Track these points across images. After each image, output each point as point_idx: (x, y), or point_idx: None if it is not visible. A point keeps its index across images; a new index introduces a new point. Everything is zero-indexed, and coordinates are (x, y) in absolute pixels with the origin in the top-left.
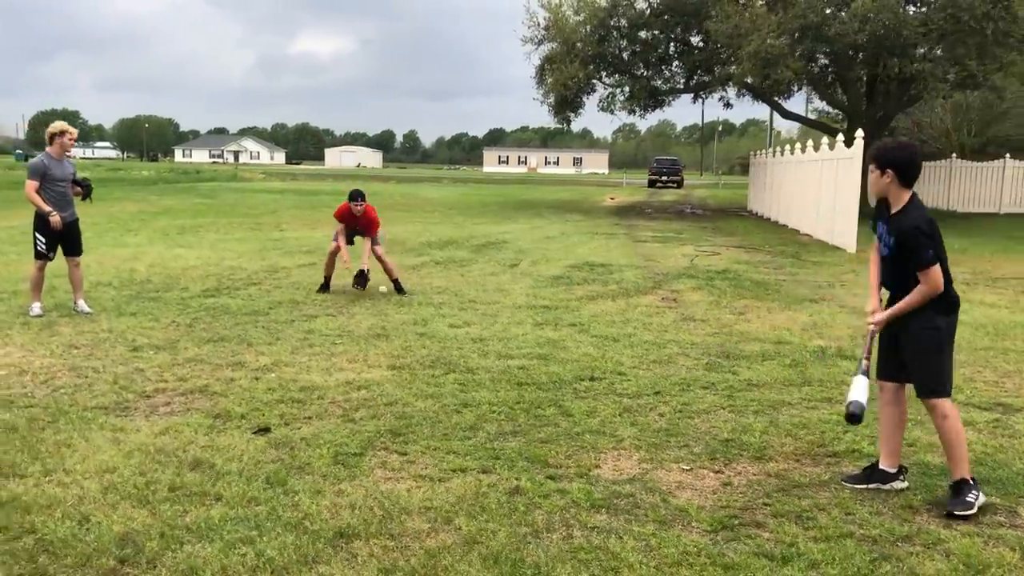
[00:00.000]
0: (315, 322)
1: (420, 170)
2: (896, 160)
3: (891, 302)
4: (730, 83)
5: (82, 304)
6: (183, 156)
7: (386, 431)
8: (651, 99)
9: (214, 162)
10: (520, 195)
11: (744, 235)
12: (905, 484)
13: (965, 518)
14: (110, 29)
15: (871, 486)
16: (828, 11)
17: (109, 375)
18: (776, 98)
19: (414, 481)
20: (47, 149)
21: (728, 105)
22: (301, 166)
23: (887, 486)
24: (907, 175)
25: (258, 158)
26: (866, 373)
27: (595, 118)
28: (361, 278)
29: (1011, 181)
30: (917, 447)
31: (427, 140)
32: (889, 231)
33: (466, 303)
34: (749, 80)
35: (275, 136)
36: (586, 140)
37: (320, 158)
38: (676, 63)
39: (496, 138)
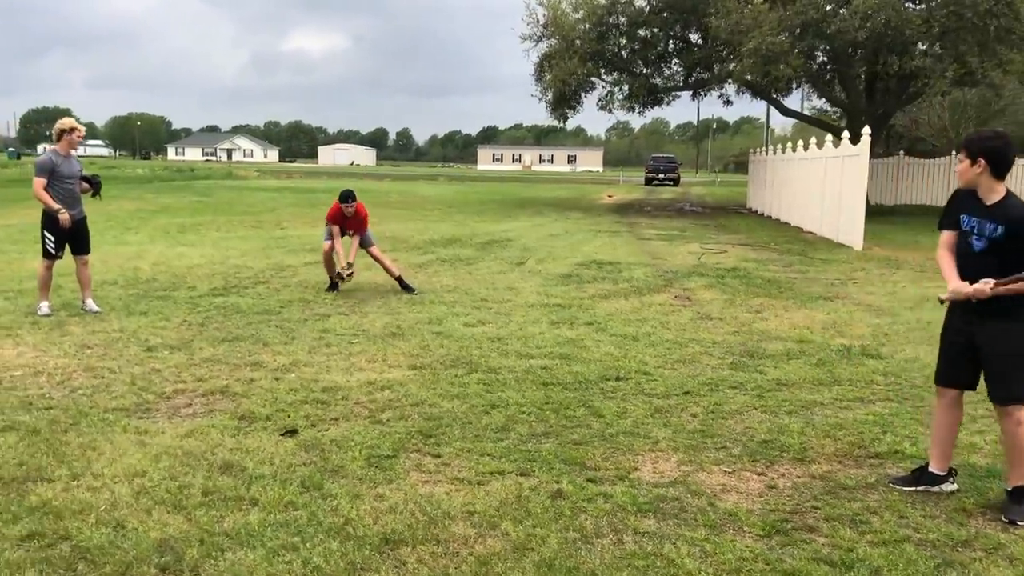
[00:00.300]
0: (329, 321)
1: (415, 168)
2: (989, 149)
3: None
4: (730, 80)
5: (90, 303)
6: (176, 154)
7: (416, 432)
8: (650, 97)
9: (207, 160)
10: (517, 193)
11: (748, 232)
12: (955, 486)
13: None
14: (102, 27)
15: (920, 488)
16: (828, 8)
17: (126, 376)
18: (775, 95)
19: (452, 484)
20: (54, 146)
21: (728, 102)
22: (295, 164)
23: (936, 488)
24: (1001, 165)
25: (251, 156)
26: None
27: (588, 116)
28: (348, 271)
29: (1013, 178)
30: (958, 448)
31: (420, 138)
32: (995, 222)
33: (478, 301)
34: (749, 77)
35: (268, 134)
36: (580, 138)
37: (313, 156)
38: (675, 61)
39: (490, 136)
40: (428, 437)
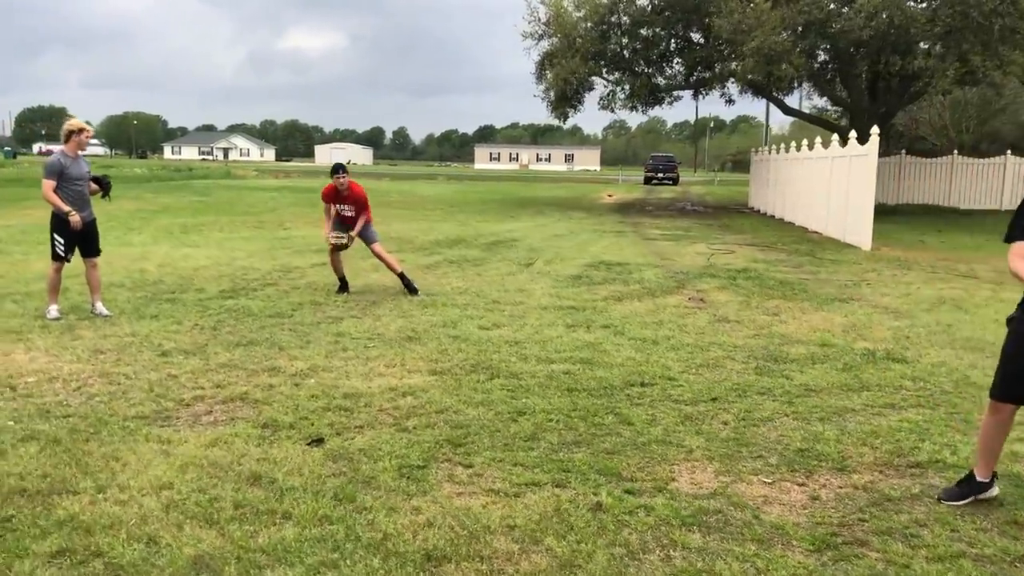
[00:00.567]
0: (342, 324)
1: (412, 167)
2: None
3: None
4: (732, 79)
5: (100, 306)
6: (172, 153)
7: (444, 441)
8: (651, 96)
9: (204, 159)
10: (517, 192)
11: (754, 232)
12: (996, 490)
13: None
14: (99, 26)
15: (970, 500)
16: (832, 6)
17: (143, 382)
18: (777, 94)
19: (487, 496)
20: (63, 147)
21: (730, 101)
22: (292, 163)
23: (984, 495)
24: None
25: (248, 155)
26: None
27: (585, 115)
28: (340, 239)
29: (1012, 177)
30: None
31: (417, 137)
32: None
33: (490, 304)
34: (751, 76)
35: (264, 133)
36: (576, 137)
37: (310, 155)
38: (677, 60)
39: (486, 135)
40: (457, 446)
